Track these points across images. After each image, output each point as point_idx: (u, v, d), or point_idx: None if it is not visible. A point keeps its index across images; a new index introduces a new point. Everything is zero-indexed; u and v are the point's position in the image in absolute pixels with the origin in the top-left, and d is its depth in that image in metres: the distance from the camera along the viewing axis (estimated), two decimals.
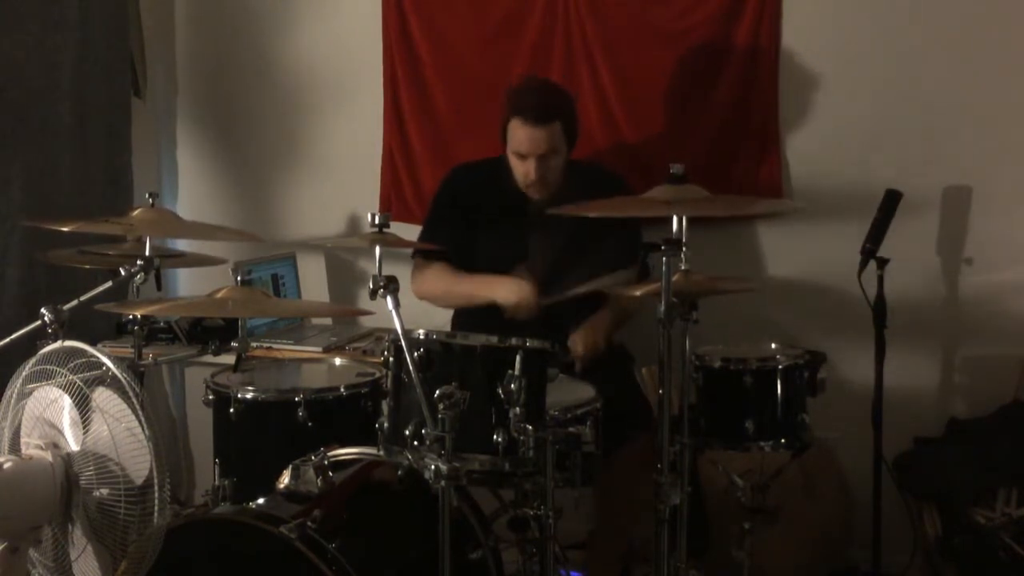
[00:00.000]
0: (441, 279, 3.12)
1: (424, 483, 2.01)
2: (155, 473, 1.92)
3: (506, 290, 2.94)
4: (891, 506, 3.12)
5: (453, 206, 3.18)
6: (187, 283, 4.00)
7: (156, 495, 1.92)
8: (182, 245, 3.51)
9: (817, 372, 2.64)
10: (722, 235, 3.42)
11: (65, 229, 2.53)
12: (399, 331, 2.11)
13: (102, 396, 1.97)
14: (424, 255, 3.16)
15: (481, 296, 3.00)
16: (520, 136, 2.97)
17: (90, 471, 1.97)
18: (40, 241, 3.23)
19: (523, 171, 3.01)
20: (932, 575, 3.13)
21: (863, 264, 3.05)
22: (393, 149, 3.76)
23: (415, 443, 2.07)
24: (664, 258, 2.32)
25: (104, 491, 1.95)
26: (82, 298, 2.35)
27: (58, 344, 2.06)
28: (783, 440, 2.62)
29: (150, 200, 2.65)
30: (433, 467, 1.98)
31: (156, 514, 1.92)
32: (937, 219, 3.33)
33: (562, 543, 2.58)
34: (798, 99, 3.42)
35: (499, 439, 2.07)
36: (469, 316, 3.13)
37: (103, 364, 1.98)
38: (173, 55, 4.04)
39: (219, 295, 2.45)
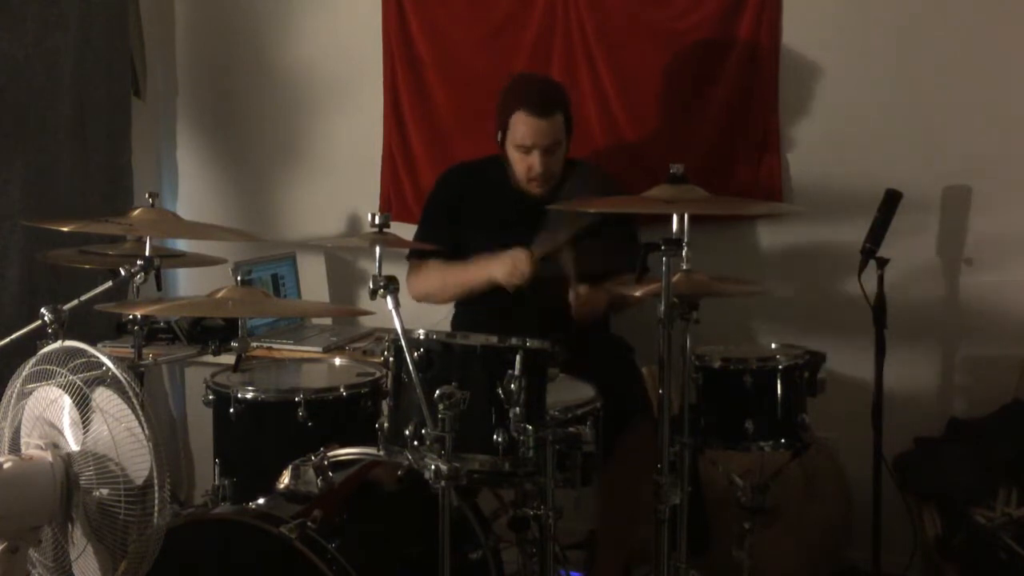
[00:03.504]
0: (435, 274, 3.12)
1: (424, 483, 2.01)
2: (155, 473, 1.92)
3: (499, 263, 2.91)
4: (891, 506, 3.12)
5: (447, 206, 3.18)
6: (187, 283, 4.00)
7: (156, 495, 1.92)
8: (182, 245, 3.51)
9: (817, 372, 2.64)
10: (722, 235, 3.42)
11: (65, 229, 2.53)
12: (399, 331, 2.10)
13: (102, 396, 1.97)
14: (418, 256, 3.16)
15: (477, 278, 2.98)
16: (525, 129, 2.97)
17: (90, 471, 1.96)
18: (40, 241, 3.23)
19: (527, 165, 3.01)
20: (932, 575, 3.13)
21: (863, 264, 3.05)
22: (393, 149, 3.76)
23: (415, 443, 2.07)
24: (664, 258, 2.32)
25: (104, 491, 1.95)
26: (82, 298, 2.35)
27: (58, 344, 2.06)
28: (783, 440, 2.62)
29: (150, 200, 2.65)
30: (433, 467, 1.98)
31: (156, 514, 1.92)
32: (937, 219, 3.33)
33: (562, 543, 2.58)
34: (798, 99, 3.42)
35: (499, 439, 2.07)
36: (469, 316, 3.13)
37: (103, 364, 1.98)
38: (173, 55, 4.05)
39: (219, 295, 2.44)
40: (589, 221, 2.76)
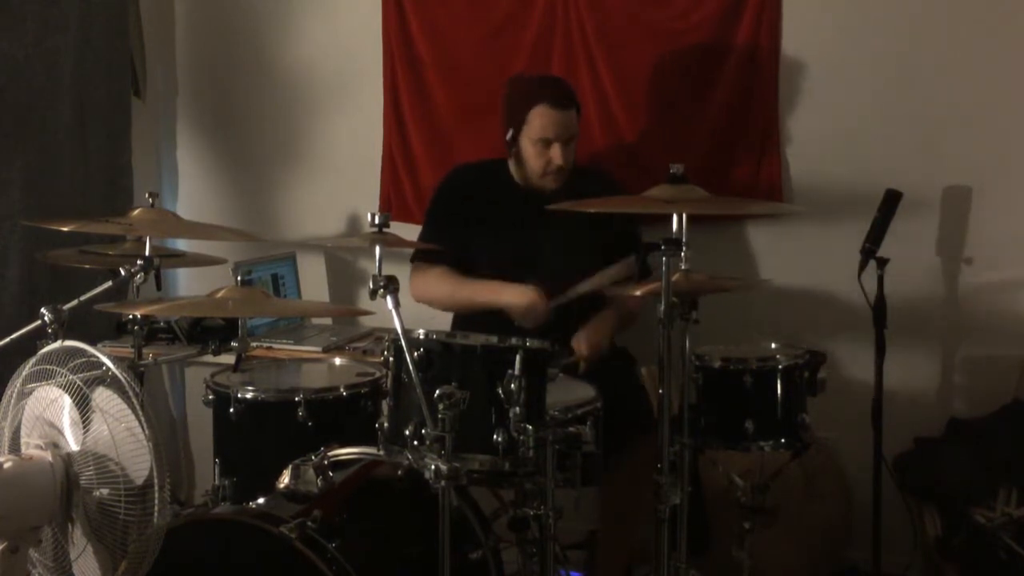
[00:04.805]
0: (443, 282, 3.10)
1: (424, 483, 2.01)
2: (155, 473, 1.92)
3: (514, 296, 2.92)
4: (891, 506, 3.12)
5: (453, 205, 3.18)
6: (187, 283, 4.00)
7: (156, 495, 1.92)
8: (182, 245, 3.51)
9: (817, 372, 2.64)
10: (722, 235, 3.42)
11: (65, 229, 2.53)
12: (399, 331, 2.10)
13: (102, 396, 1.97)
14: (424, 257, 3.15)
15: (487, 302, 2.98)
16: (547, 122, 2.99)
17: (90, 471, 1.97)
18: (40, 241, 3.23)
19: (546, 158, 3.01)
20: (932, 575, 3.13)
21: (863, 264, 3.05)
22: (393, 149, 3.76)
23: (415, 443, 2.07)
24: (664, 258, 2.32)
25: (104, 491, 1.95)
26: (82, 298, 2.35)
27: (58, 344, 2.06)
28: (783, 440, 2.62)
29: (150, 200, 2.65)
30: (433, 467, 1.98)
31: (156, 514, 1.92)
32: (937, 219, 3.33)
33: (562, 543, 2.58)
34: (798, 99, 3.42)
35: (499, 439, 2.07)
36: (470, 316, 3.12)
37: (103, 364, 1.98)
38: (173, 55, 4.05)
39: (219, 295, 2.44)
40: (619, 274, 2.79)
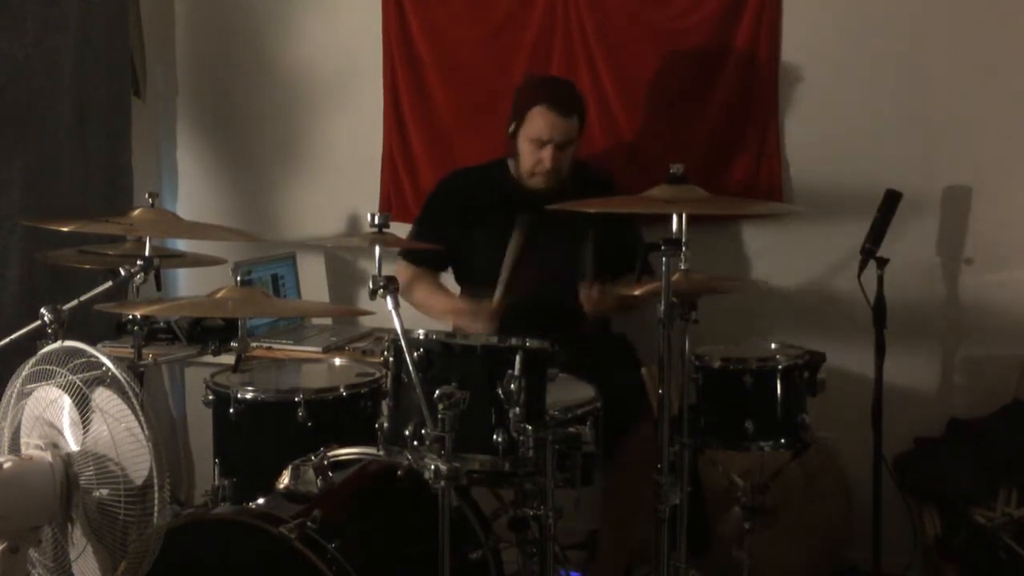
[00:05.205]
0: (423, 292, 3.20)
1: (424, 483, 2.01)
2: (155, 473, 1.92)
3: (466, 317, 2.99)
4: (891, 506, 3.12)
5: (449, 204, 3.19)
6: (187, 283, 4.00)
7: (156, 495, 1.92)
8: (182, 245, 3.51)
9: (817, 372, 2.64)
10: (722, 235, 3.42)
11: (65, 229, 2.53)
12: (399, 331, 2.11)
13: (102, 396, 1.97)
14: (410, 258, 3.17)
15: (449, 315, 3.08)
16: (543, 123, 3.01)
17: (90, 471, 1.96)
18: (40, 241, 3.23)
19: (537, 158, 3.04)
20: (932, 575, 3.13)
21: (863, 264, 3.05)
22: (393, 149, 3.76)
23: (415, 443, 2.07)
24: (664, 258, 2.32)
25: (104, 491, 1.95)
26: (82, 298, 2.35)
27: (58, 344, 2.06)
28: (783, 440, 2.61)
29: (150, 200, 2.65)
30: (433, 467, 1.98)
31: (156, 514, 1.92)
32: (937, 219, 3.33)
33: (562, 543, 2.58)
34: (798, 99, 3.42)
35: (499, 439, 2.07)
36: None
37: (103, 364, 1.98)
38: (173, 55, 4.05)
39: (219, 295, 2.44)
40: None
